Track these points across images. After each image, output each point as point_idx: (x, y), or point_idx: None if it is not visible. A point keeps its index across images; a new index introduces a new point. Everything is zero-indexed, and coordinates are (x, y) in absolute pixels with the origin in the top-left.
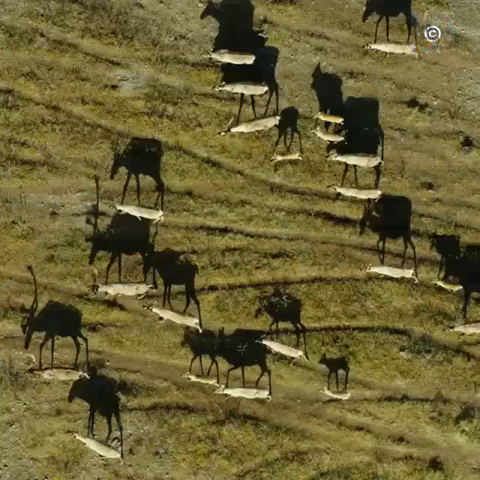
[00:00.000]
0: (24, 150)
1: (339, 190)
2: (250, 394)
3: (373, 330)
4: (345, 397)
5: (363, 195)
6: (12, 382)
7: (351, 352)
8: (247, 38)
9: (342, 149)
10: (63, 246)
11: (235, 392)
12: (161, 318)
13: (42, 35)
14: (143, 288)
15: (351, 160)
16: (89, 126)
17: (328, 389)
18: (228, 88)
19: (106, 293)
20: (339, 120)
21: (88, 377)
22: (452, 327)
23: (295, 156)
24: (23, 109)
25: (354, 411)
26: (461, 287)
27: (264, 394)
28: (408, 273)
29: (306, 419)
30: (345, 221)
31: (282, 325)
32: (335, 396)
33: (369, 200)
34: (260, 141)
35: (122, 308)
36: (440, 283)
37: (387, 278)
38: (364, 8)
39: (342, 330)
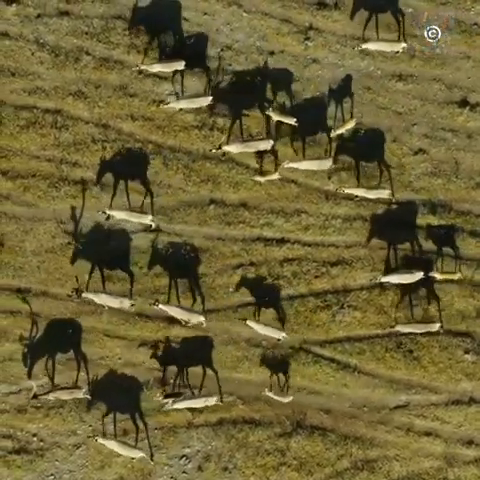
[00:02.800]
0: (76, 170)
1: (347, 191)
2: (200, 403)
3: (436, 334)
4: (286, 400)
5: (372, 195)
6: (76, 404)
7: (415, 357)
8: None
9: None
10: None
11: (184, 404)
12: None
13: (88, 53)
14: (127, 303)
15: (302, 165)
16: (140, 142)
17: (270, 390)
18: (173, 105)
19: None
20: (353, 123)
21: (89, 397)
22: (392, 327)
23: (275, 176)
24: (72, 129)
25: (422, 416)
26: (460, 274)
27: (213, 401)
28: (418, 276)
29: (374, 427)
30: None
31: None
32: (276, 398)
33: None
34: (312, 149)
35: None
36: (436, 275)
37: (447, 281)
38: (352, 7)
39: (405, 335)
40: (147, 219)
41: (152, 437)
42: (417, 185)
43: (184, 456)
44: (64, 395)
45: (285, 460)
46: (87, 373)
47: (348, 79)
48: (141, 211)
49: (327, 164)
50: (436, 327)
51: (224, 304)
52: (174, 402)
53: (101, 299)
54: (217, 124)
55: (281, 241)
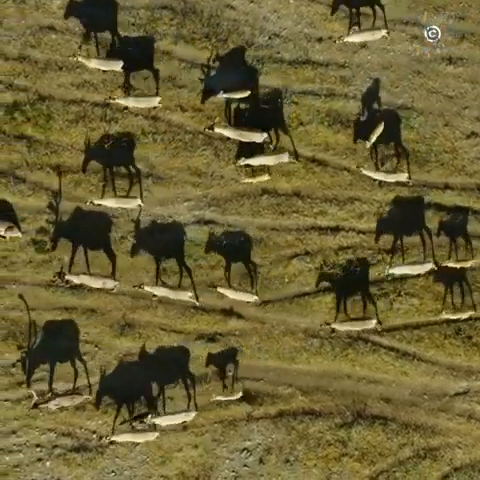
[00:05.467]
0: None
1: (365, 173)
2: (179, 419)
3: None
4: (236, 396)
5: (391, 179)
6: (134, 400)
7: (475, 343)
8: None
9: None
10: (174, 258)
11: (164, 420)
12: (154, 295)
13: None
14: (110, 283)
15: (259, 161)
16: (190, 134)
17: (220, 394)
18: (121, 101)
19: (67, 281)
20: (382, 127)
21: (90, 397)
22: (328, 323)
23: (265, 178)
24: (122, 121)
25: None
26: (473, 261)
27: (191, 416)
28: (427, 267)
29: (435, 415)
30: (456, 210)
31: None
32: (227, 398)
33: None
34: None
35: (239, 316)
36: (450, 264)
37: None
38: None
39: (463, 321)
40: (136, 203)
41: (212, 431)
42: (470, 169)
43: (245, 449)
44: (65, 402)
45: (347, 451)
46: (87, 377)
47: (398, 63)
48: (129, 196)
49: (284, 158)
50: (372, 324)
51: (280, 295)
52: (152, 417)
53: (83, 280)
54: (267, 112)
55: (335, 229)
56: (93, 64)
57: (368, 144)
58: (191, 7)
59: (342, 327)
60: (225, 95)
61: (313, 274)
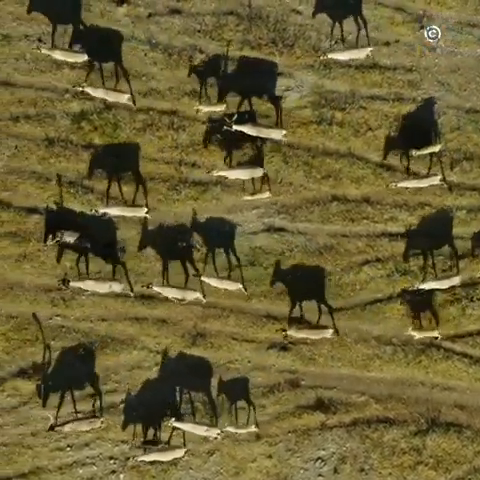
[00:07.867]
0: (195, 171)
1: (401, 185)
2: (201, 431)
3: None
4: (251, 429)
5: (425, 184)
6: (207, 410)
7: None
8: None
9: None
10: (244, 266)
11: (186, 426)
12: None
13: (201, 51)
14: (117, 286)
15: (233, 174)
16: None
17: (231, 426)
18: (89, 90)
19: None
20: (437, 148)
21: (102, 423)
22: (284, 330)
23: (265, 195)
24: (189, 129)
25: None
26: None
27: (214, 432)
28: (455, 280)
29: None
30: None
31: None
32: (241, 431)
33: None
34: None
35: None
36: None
37: None
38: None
39: None
40: (142, 212)
41: (286, 441)
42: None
43: (319, 459)
44: (82, 426)
45: (422, 459)
46: (100, 398)
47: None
48: (135, 205)
49: (259, 172)
50: (329, 333)
51: (352, 302)
52: (176, 421)
53: (88, 286)
54: (335, 118)
55: (406, 235)
56: (57, 55)
57: (416, 154)
58: (257, 12)
59: (298, 334)
60: (202, 108)
61: (385, 281)
